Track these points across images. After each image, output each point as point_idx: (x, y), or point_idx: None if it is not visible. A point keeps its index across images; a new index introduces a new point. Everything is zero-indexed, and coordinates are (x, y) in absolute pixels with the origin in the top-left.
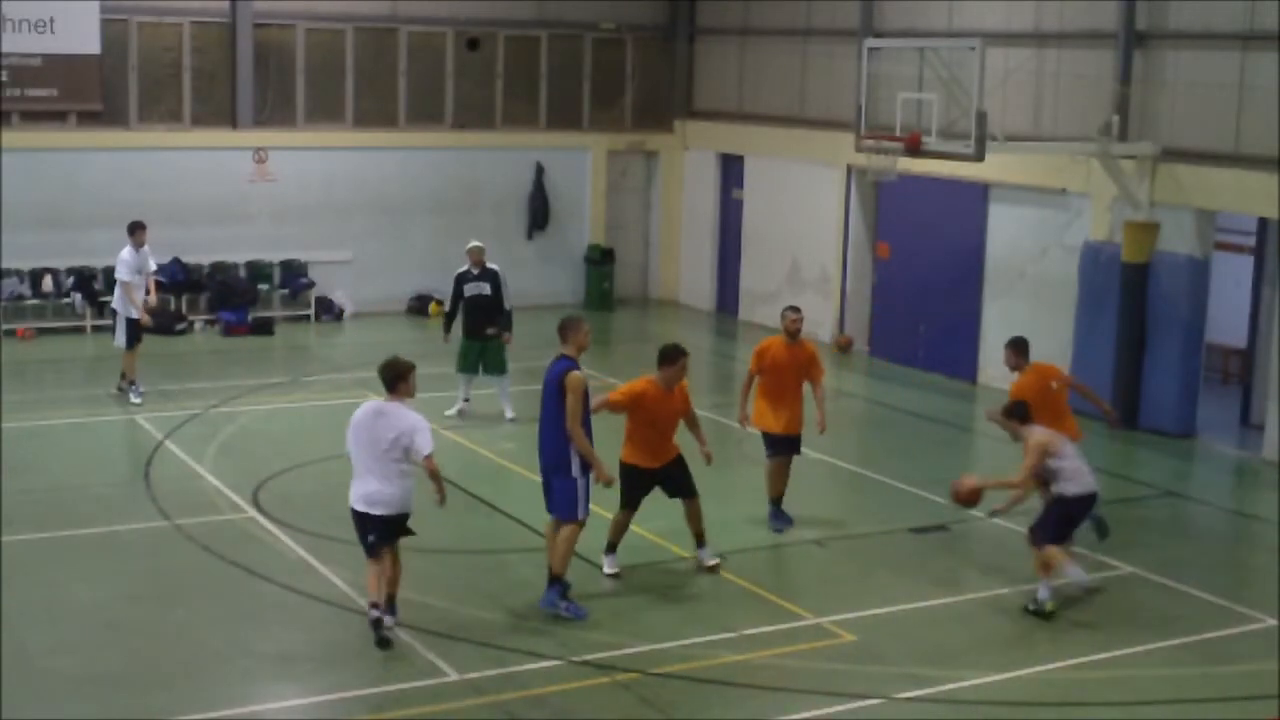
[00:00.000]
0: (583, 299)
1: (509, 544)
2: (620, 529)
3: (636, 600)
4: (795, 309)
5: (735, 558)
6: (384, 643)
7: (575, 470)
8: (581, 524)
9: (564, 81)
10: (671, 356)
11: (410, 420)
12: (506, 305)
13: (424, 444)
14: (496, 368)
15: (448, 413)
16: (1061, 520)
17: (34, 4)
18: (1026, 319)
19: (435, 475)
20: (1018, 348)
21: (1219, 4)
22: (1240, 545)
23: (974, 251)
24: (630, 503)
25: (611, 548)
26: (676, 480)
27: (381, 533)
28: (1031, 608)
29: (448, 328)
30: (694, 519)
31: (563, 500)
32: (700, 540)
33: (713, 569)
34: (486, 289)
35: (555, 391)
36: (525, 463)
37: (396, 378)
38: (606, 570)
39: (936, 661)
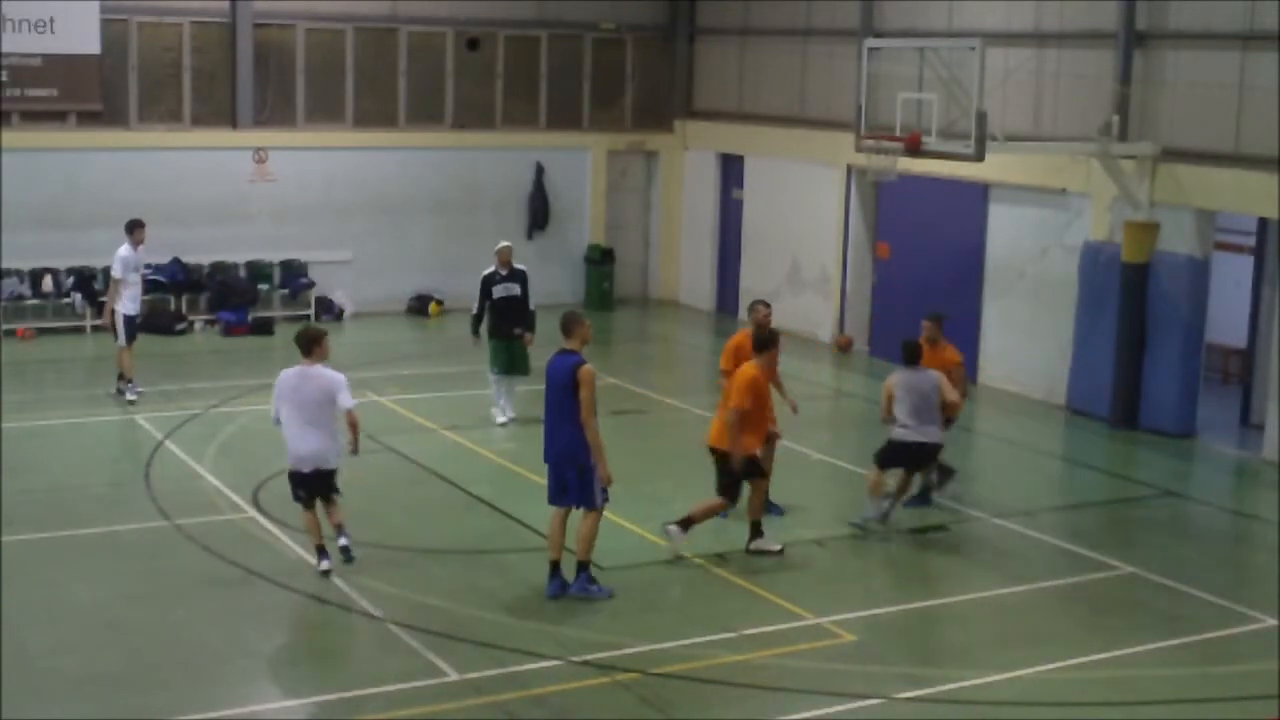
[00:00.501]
0: (583, 299)
1: (509, 544)
2: (712, 513)
3: (636, 600)
4: (765, 303)
5: (735, 558)
6: (326, 574)
7: (592, 460)
8: (602, 511)
9: (564, 81)
10: (772, 340)
11: (331, 377)
12: (531, 306)
13: (346, 398)
14: (521, 369)
15: (500, 421)
16: (883, 452)
17: (34, 4)
18: (1026, 319)
19: (354, 426)
20: (941, 322)
21: (1219, 4)
22: (1240, 545)
23: (974, 251)
24: (734, 492)
25: (689, 523)
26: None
27: (311, 487)
28: (855, 521)
29: (475, 329)
30: (756, 507)
31: (584, 489)
32: (756, 530)
33: (778, 553)
34: (516, 289)
35: (567, 385)
36: (525, 463)
37: (311, 342)
38: (676, 543)
39: (936, 661)
